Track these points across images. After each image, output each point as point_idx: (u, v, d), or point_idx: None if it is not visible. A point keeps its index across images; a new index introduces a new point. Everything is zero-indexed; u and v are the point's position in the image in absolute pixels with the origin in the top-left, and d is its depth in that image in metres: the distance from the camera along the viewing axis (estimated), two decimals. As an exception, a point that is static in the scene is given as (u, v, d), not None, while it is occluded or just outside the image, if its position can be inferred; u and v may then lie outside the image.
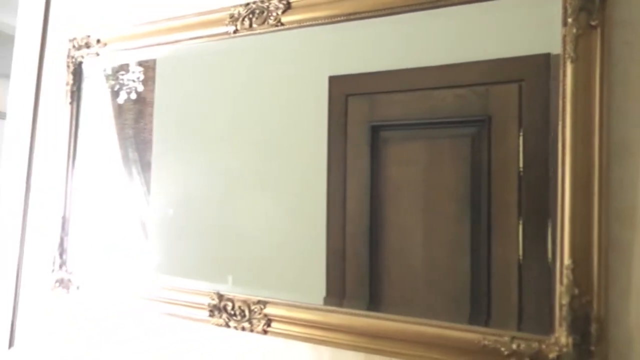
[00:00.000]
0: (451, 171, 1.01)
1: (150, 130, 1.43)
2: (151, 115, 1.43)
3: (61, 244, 1.51)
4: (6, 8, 3.60)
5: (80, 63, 1.55)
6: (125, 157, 1.47)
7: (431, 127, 1.06)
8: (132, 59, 1.46)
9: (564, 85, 0.87)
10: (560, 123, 0.87)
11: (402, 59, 1.08)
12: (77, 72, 1.55)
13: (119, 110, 1.49)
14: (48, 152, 1.62)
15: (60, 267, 1.50)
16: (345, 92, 1.14)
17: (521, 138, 0.94)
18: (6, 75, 1.85)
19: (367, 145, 1.09)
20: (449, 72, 1.02)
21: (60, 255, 1.51)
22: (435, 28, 1.03)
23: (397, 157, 1.07)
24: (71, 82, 1.55)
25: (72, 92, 1.54)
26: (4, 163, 1.73)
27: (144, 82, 1.45)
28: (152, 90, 1.43)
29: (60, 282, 1.50)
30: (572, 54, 0.86)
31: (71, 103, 1.54)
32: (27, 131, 1.67)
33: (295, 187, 1.18)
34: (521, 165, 0.93)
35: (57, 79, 1.62)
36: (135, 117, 1.47)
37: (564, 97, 0.87)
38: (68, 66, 1.56)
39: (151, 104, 1.44)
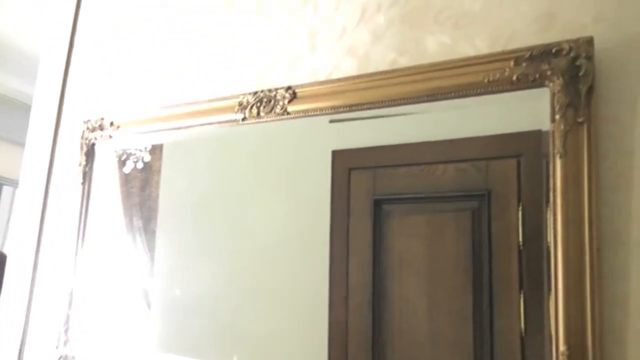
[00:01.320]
0: (453, 244, 1.08)
1: (156, 199, 1.53)
2: (157, 183, 1.54)
3: (67, 321, 1.60)
4: (20, 74, 3.88)
5: (94, 145, 1.68)
6: (129, 225, 1.57)
7: (433, 201, 1.13)
8: (144, 141, 1.58)
9: (554, 179, 0.94)
10: (551, 215, 0.94)
11: (404, 133, 1.17)
12: (90, 153, 1.67)
13: (126, 178, 1.61)
14: (58, 228, 1.73)
15: (65, 343, 1.58)
16: (348, 166, 1.23)
17: (520, 212, 1.01)
18: (21, 144, 2.01)
19: (370, 219, 1.17)
20: (450, 146, 1.11)
21: (65, 331, 1.59)
22: (435, 109, 1.13)
23: (399, 230, 1.15)
24: (84, 162, 1.67)
25: (85, 173, 1.66)
26: (14, 233, 1.84)
27: (151, 152, 1.57)
28: (159, 159, 1.55)
29: (64, 359, 1.58)
30: (560, 150, 0.94)
31: (83, 183, 1.66)
32: (38, 206, 1.78)
33: (298, 261, 1.26)
34: (521, 239, 1.00)
35: (70, 157, 1.75)
36: (142, 184, 1.58)
37: (554, 191, 0.94)
38: (82, 147, 1.69)
39: (158, 172, 1.54)
